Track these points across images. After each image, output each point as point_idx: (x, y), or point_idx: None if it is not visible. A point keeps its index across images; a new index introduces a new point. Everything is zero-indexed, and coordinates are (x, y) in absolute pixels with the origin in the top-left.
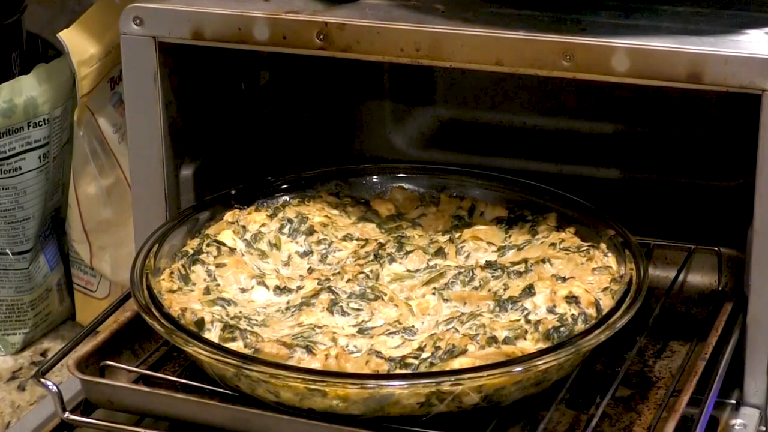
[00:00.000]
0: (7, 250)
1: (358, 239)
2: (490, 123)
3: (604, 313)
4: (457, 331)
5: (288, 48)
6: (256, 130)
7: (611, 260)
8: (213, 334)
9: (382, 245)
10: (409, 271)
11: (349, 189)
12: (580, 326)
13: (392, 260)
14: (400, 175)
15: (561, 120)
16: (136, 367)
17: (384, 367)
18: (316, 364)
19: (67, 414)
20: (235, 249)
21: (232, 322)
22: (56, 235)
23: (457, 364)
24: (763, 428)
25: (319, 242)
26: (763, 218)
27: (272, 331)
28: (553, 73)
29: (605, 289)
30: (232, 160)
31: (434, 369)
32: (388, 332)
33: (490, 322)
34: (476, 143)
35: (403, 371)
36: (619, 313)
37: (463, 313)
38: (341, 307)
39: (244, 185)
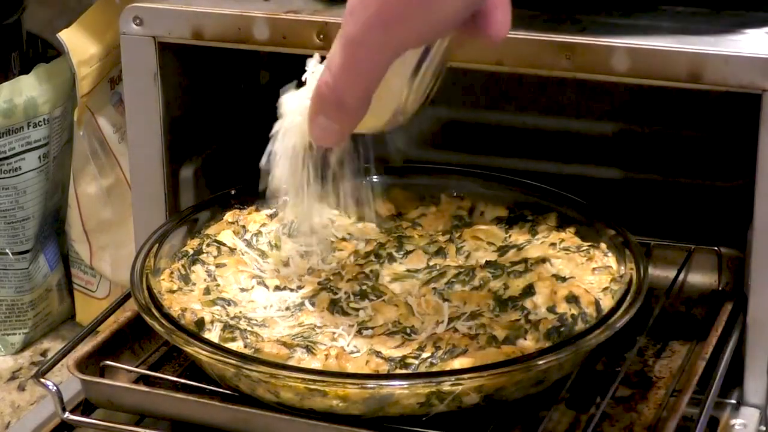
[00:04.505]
0: (7, 250)
1: (358, 239)
2: (490, 123)
3: (604, 313)
4: (457, 331)
5: (288, 48)
6: (256, 130)
7: (611, 260)
8: (213, 334)
9: (382, 245)
10: (409, 271)
11: None
12: (580, 326)
13: (392, 260)
14: (400, 175)
15: (561, 120)
16: (136, 367)
17: (384, 367)
18: (316, 364)
19: (67, 414)
20: (235, 249)
21: (232, 322)
22: (56, 235)
23: (457, 364)
24: (763, 428)
25: (319, 242)
26: (763, 218)
27: (272, 331)
28: (553, 72)
29: (605, 289)
30: (232, 160)
31: (434, 369)
32: (388, 332)
33: (490, 322)
34: (476, 143)
35: (403, 371)
36: (619, 313)
37: (463, 313)
38: (341, 307)
39: (244, 185)
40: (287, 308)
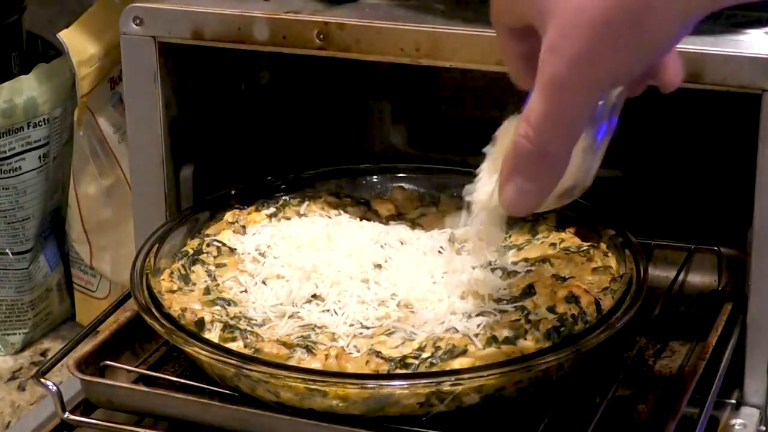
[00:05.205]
0: (7, 250)
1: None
2: (490, 123)
3: (604, 313)
4: (457, 331)
5: (288, 48)
6: (256, 130)
7: (611, 260)
8: (213, 334)
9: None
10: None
11: (349, 189)
12: (580, 326)
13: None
14: (400, 175)
15: None
16: (136, 367)
17: (384, 367)
18: (316, 364)
19: (67, 414)
20: (235, 249)
21: (232, 322)
22: (56, 235)
23: (457, 364)
24: (763, 428)
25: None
26: (763, 218)
27: (272, 331)
28: None
29: (605, 289)
30: (233, 160)
31: (434, 369)
32: (388, 332)
33: (490, 322)
34: (476, 143)
35: (403, 371)
36: (619, 313)
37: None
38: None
39: (244, 185)
40: (287, 308)
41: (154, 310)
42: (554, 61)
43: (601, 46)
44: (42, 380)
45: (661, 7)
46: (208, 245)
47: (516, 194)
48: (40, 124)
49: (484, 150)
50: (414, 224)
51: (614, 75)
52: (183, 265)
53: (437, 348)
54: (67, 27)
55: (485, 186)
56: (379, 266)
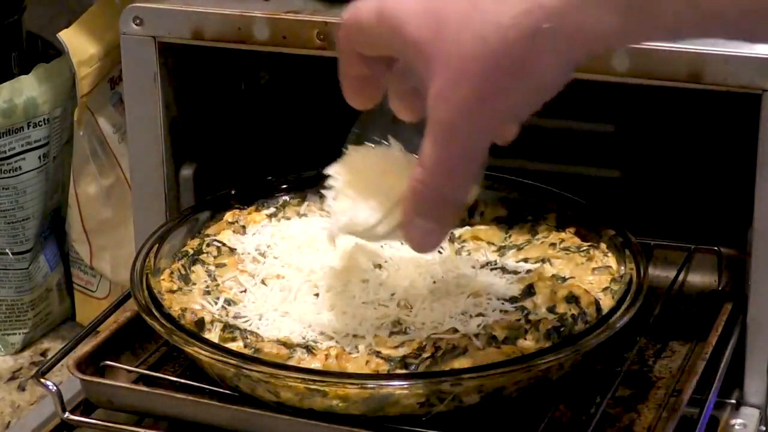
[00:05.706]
0: (7, 250)
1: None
2: None
3: (604, 313)
4: (457, 331)
5: (288, 48)
6: (256, 130)
7: (611, 260)
8: (213, 334)
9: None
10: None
11: None
12: (580, 326)
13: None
14: None
15: (560, 119)
16: (136, 367)
17: (384, 367)
18: (316, 364)
19: (67, 414)
20: (235, 249)
21: (232, 322)
22: (56, 235)
23: (457, 364)
24: (763, 428)
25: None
26: (763, 218)
27: (272, 331)
28: None
29: (605, 289)
30: (232, 160)
31: (434, 369)
32: (388, 332)
33: (490, 322)
34: None
35: (403, 371)
36: (619, 313)
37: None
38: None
39: (244, 185)
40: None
41: (154, 310)
42: (445, 108)
43: (491, 93)
44: (42, 380)
45: (547, 56)
46: (208, 245)
47: (420, 235)
48: (40, 124)
49: (331, 181)
50: None
51: (504, 118)
52: (183, 265)
53: (437, 348)
54: (67, 27)
55: (365, 216)
56: (379, 266)
